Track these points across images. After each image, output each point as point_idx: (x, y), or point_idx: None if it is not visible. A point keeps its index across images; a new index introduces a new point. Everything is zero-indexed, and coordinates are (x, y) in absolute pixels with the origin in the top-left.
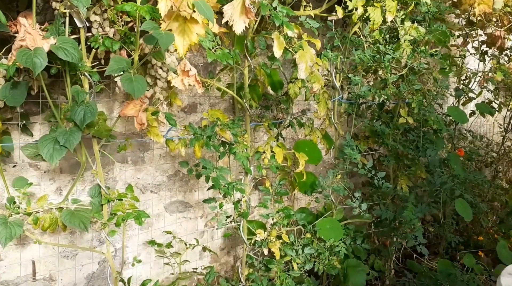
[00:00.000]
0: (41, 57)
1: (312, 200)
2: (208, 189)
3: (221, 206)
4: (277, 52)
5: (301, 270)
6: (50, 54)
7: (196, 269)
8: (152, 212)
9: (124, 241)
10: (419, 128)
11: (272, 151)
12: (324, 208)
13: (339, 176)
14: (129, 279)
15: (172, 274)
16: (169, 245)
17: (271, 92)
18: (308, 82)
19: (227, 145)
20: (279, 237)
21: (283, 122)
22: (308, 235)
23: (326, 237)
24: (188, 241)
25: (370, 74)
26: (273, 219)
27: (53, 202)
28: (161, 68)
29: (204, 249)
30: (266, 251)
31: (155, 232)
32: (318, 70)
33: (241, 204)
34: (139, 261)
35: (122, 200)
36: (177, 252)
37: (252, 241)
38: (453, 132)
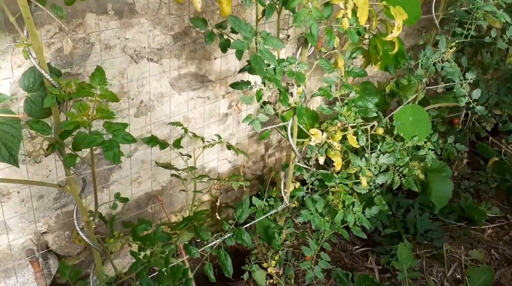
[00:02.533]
0: None
1: (391, 79)
2: (240, 71)
3: (259, 96)
4: None
5: (371, 186)
6: None
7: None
8: (151, 92)
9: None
10: None
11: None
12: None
13: (452, 49)
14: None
15: (183, 191)
16: (177, 143)
17: None
18: None
19: None
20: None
21: None
22: (380, 130)
23: (407, 134)
24: (207, 132)
25: None
26: (340, 115)
27: None
28: None
29: (229, 147)
30: (321, 160)
31: (156, 123)
32: None
33: (292, 94)
34: (125, 199)
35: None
36: (188, 155)
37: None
38: None
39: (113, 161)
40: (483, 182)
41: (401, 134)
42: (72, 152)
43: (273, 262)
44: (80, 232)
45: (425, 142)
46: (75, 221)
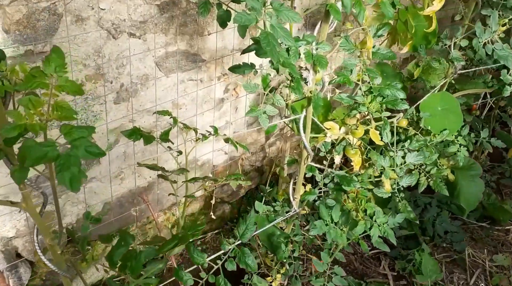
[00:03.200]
0: None
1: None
2: (244, 52)
3: (265, 83)
4: None
5: (394, 189)
6: None
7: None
8: (133, 73)
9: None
10: None
11: None
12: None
13: (505, 26)
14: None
15: (173, 195)
16: (165, 136)
17: None
18: None
19: None
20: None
21: None
22: (404, 122)
23: (435, 127)
24: (200, 121)
25: None
26: (361, 106)
27: None
28: None
29: (227, 140)
30: (337, 160)
31: (140, 111)
32: None
33: (307, 82)
34: (97, 220)
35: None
36: (179, 151)
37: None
38: None
39: (69, 187)
40: (506, 176)
41: (428, 127)
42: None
43: (278, 276)
44: (42, 257)
45: (456, 137)
46: (35, 244)
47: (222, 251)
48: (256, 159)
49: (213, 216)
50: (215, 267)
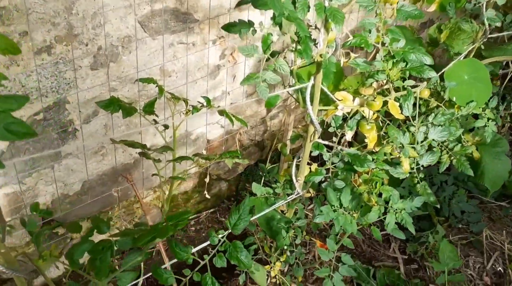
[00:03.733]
0: None
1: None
2: (238, 5)
3: (266, 45)
4: None
5: (412, 169)
6: None
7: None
8: (113, 34)
9: None
10: None
11: None
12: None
13: None
14: None
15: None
16: (149, 108)
17: None
18: None
19: None
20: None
21: None
22: (426, 93)
23: (461, 99)
24: (192, 91)
25: None
26: (380, 73)
27: None
28: None
29: (222, 113)
30: (349, 136)
31: (122, 78)
32: None
33: (317, 44)
34: (49, 213)
35: None
36: (166, 125)
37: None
38: None
39: None
40: None
41: (453, 99)
42: None
43: (278, 264)
44: None
45: (483, 109)
46: None
47: (208, 242)
48: (256, 133)
49: (207, 196)
50: (202, 263)
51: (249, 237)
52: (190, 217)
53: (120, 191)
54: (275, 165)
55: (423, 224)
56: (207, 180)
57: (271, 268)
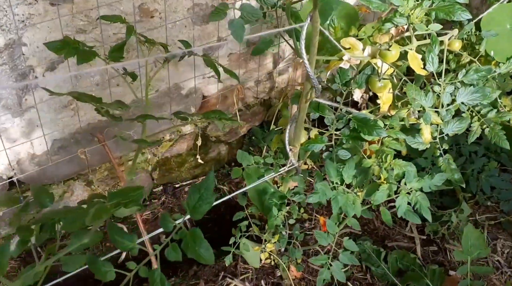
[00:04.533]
0: None
1: None
2: None
3: None
4: None
5: (435, 138)
6: None
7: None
8: None
9: None
10: None
11: None
12: None
13: None
14: None
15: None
16: (117, 53)
17: None
18: None
19: None
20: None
21: None
22: (456, 44)
23: (499, 53)
24: (175, 33)
25: None
26: (399, 16)
27: None
28: None
29: (209, 63)
30: (357, 95)
31: (88, 17)
32: None
33: None
34: None
35: None
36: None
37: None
38: None
39: None
40: None
41: (491, 53)
42: None
43: (270, 246)
44: None
45: None
46: None
47: (161, 229)
48: (262, 90)
49: (200, 161)
50: (150, 254)
51: (239, 212)
52: (185, 183)
53: (85, 154)
54: (279, 128)
55: (446, 200)
56: (198, 142)
57: (261, 250)
